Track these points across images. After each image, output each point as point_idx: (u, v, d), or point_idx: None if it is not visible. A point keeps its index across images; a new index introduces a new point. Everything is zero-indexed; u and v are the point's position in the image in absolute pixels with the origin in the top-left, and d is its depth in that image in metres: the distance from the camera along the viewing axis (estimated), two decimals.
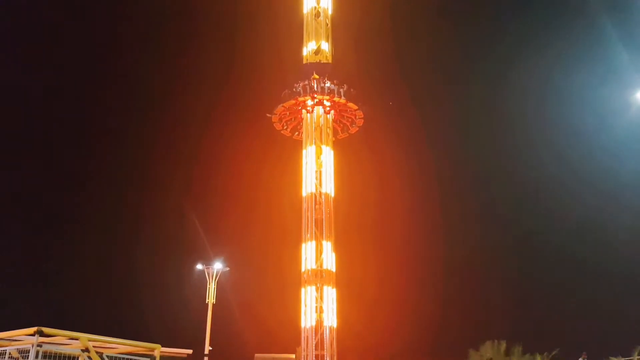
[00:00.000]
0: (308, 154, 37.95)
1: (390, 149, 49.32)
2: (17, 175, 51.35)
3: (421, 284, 46.27)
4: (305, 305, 34.57)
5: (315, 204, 36.62)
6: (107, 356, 13.14)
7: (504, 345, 18.50)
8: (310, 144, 38.02)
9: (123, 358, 14.41)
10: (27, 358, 11.41)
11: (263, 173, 48.39)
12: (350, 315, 37.14)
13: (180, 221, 51.92)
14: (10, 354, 11.85)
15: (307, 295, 34.75)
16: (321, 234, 36.20)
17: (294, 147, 40.19)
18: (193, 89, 63.84)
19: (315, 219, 36.52)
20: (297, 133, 39.75)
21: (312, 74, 37.55)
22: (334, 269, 35.79)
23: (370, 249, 40.24)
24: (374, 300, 42.15)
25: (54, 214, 52.23)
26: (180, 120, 64.34)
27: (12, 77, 51.59)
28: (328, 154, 38.01)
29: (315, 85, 37.16)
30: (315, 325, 33.77)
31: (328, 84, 37.16)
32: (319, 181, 37.44)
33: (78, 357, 13.27)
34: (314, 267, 35.17)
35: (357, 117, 38.90)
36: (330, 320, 34.14)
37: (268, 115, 38.66)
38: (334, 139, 39.00)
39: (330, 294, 34.95)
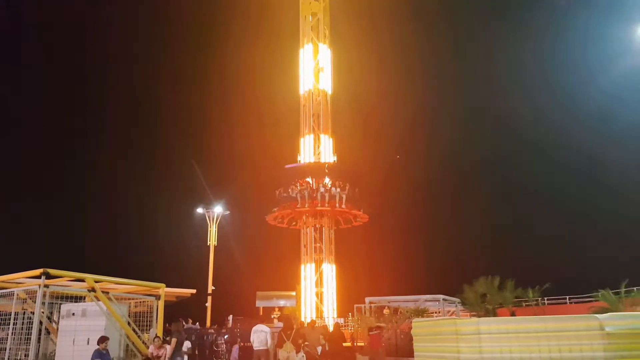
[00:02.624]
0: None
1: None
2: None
3: (420, 219, 47.14)
4: (304, 246, 35.41)
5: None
6: (114, 296, 13.49)
7: (497, 280, 19.01)
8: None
9: (129, 297, 14.86)
10: (35, 299, 11.71)
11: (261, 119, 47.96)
12: (349, 254, 38.21)
13: (182, 166, 52.42)
14: (17, 295, 12.14)
15: (306, 235, 35.52)
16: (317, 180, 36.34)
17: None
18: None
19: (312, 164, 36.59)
20: (294, 223, 36.99)
21: (308, 175, 34.47)
22: None
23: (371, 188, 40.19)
24: (368, 240, 43.02)
25: (58, 156, 52.23)
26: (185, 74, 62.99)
27: None
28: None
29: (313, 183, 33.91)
30: (315, 265, 34.81)
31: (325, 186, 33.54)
32: (316, 125, 37.19)
33: (85, 297, 13.66)
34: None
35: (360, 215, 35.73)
36: (329, 258, 35.11)
37: (266, 217, 35.89)
38: (335, 227, 36.59)
39: (329, 234, 35.70)
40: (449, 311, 20.54)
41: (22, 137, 52.34)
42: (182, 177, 51.00)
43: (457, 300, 19.56)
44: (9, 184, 44.47)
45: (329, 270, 34.84)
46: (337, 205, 33.25)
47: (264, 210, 36.12)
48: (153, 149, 55.55)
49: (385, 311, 21.47)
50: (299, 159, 36.54)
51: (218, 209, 32.92)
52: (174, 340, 11.47)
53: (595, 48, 44.01)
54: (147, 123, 56.68)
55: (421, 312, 19.16)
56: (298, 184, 34.12)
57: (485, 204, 47.90)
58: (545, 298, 22.13)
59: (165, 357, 12.01)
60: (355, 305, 23.68)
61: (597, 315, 8.94)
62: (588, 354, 8.19)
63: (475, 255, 42.33)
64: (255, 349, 12.76)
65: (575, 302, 23.39)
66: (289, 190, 33.96)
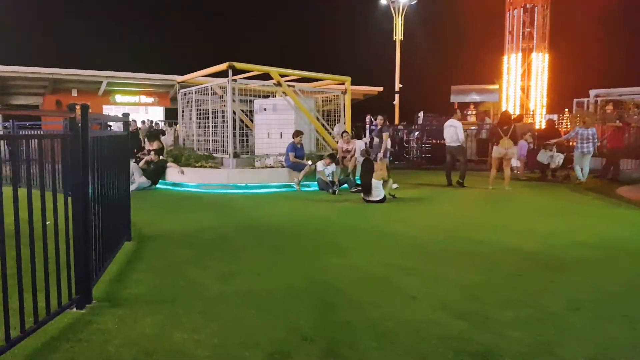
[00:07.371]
0: None
1: None
2: None
3: None
4: (509, 32, 29.86)
5: None
6: (300, 90, 12.98)
7: None
8: None
9: (316, 91, 14.30)
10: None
11: None
12: (563, 42, 30.97)
13: None
14: (212, 88, 12.55)
15: (512, 19, 29.61)
16: None
17: None
18: None
19: None
20: None
21: None
22: None
23: None
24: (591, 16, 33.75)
25: None
26: None
27: None
28: None
29: None
30: (522, 54, 29.50)
31: None
32: None
33: (274, 94, 13.46)
34: None
35: None
36: (541, 46, 29.19)
37: None
38: None
39: (543, 15, 28.93)
40: None
41: None
42: None
43: None
44: None
45: (540, 59, 29.23)
46: None
47: None
48: None
49: (608, 108, 17.57)
50: None
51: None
52: (385, 134, 11.59)
53: None
54: None
55: None
56: None
57: None
58: None
59: (354, 151, 11.42)
60: (575, 100, 19.52)
61: None
62: None
63: None
64: (447, 144, 11.43)
65: None
66: None
